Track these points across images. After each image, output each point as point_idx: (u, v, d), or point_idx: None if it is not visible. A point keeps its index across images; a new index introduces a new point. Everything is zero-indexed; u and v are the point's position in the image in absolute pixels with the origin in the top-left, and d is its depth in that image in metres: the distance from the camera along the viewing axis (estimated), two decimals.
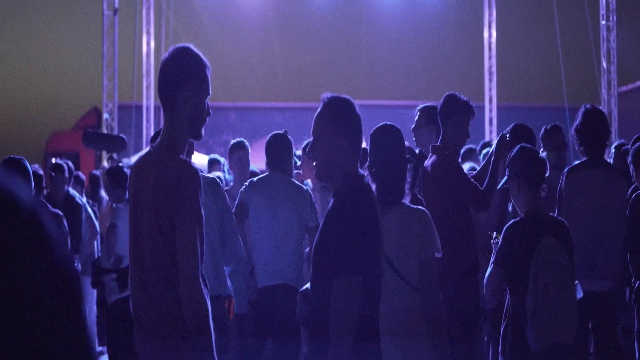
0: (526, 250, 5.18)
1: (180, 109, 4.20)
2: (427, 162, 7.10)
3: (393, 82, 31.09)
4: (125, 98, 25.21)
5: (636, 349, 7.17)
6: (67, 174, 10.09)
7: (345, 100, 4.33)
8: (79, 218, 9.77)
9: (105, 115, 19.96)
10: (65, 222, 8.69)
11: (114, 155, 10.53)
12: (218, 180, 6.35)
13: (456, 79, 30.13)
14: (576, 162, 7.44)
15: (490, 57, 25.42)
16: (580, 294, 5.61)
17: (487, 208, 6.85)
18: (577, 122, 7.22)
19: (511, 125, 7.34)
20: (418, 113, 7.81)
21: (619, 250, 6.97)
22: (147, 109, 24.77)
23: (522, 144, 5.63)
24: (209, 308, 4.12)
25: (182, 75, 4.20)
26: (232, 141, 8.65)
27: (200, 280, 4.07)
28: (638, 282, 7.11)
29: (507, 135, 7.02)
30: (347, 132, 4.25)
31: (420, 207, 5.01)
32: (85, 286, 9.88)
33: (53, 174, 9.97)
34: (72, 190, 10.57)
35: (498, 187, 5.93)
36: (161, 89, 4.25)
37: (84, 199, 10.70)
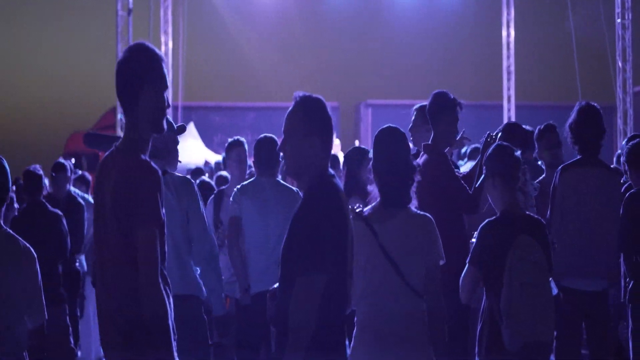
0: (501, 249, 5.14)
1: (141, 107, 4.20)
2: (419, 161, 7.07)
3: (411, 82, 30.95)
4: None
5: (630, 349, 7.10)
6: (69, 174, 10.09)
7: (317, 99, 4.33)
8: (81, 217, 9.76)
9: (119, 116, 19.99)
10: (64, 221, 8.71)
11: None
12: (189, 179, 6.30)
13: (474, 78, 30.01)
14: (570, 161, 7.38)
15: (508, 56, 25.29)
16: (554, 292, 5.56)
17: (476, 211, 6.81)
18: (571, 119, 7.15)
19: (503, 124, 7.27)
20: (414, 113, 7.78)
21: (613, 250, 6.89)
22: None
23: (499, 142, 5.59)
24: (169, 308, 4.12)
25: (141, 74, 4.20)
26: (229, 140, 8.64)
27: (160, 280, 4.06)
28: (632, 281, 7.04)
29: (495, 135, 6.96)
30: (319, 131, 4.25)
31: (425, 213, 4.96)
32: (89, 286, 9.90)
33: (54, 173, 9.98)
34: (74, 190, 10.59)
35: (476, 186, 5.87)
36: (120, 89, 4.26)
37: (89, 198, 10.69)
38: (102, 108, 30.11)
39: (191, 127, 25.06)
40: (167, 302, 4.09)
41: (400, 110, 29.25)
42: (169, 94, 4.34)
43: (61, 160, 10.25)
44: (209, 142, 28.47)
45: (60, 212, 8.74)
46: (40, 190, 8.72)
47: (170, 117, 18.75)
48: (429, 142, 7.05)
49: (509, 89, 25.61)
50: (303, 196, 4.26)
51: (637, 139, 7.44)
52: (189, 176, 7.71)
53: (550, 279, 5.56)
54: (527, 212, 5.50)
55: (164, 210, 4.15)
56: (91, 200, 10.31)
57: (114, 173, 4.13)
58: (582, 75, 19.58)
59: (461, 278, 5.39)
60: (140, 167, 4.10)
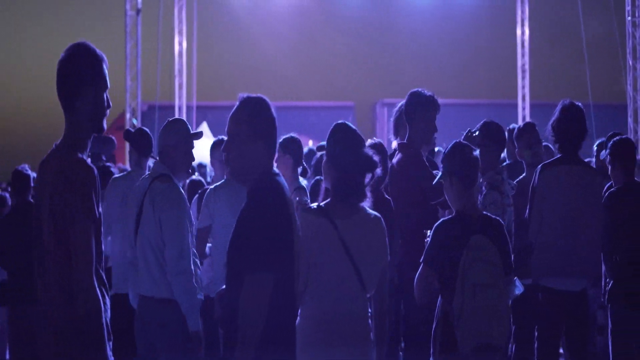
0: (455, 249, 5.08)
1: (81, 107, 4.21)
2: (394, 160, 7.05)
3: (426, 81, 30.89)
4: (153, 98, 25.40)
5: (610, 348, 7.05)
6: None
7: (261, 100, 4.33)
8: None
9: (127, 115, 20.07)
10: None
11: (103, 156, 10.54)
12: (170, 187, 6.21)
13: (489, 77, 29.92)
14: (550, 159, 7.32)
15: (523, 55, 25.16)
16: (519, 291, 5.51)
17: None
18: (553, 117, 7.09)
19: (481, 122, 7.21)
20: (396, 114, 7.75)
21: (593, 249, 6.83)
22: (180, 108, 24.91)
23: (457, 141, 5.52)
24: (103, 307, 4.12)
25: (79, 73, 4.21)
26: (214, 139, 8.62)
27: (95, 278, 4.07)
28: (611, 281, 6.98)
29: (476, 132, 6.93)
30: (262, 132, 4.26)
31: (376, 212, 4.91)
32: None
33: None
34: None
35: (433, 183, 5.81)
36: (59, 88, 4.26)
37: None
38: (119, 108, 30.20)
39: (204, 127, 25.09)
40: (100, 301, 4.08)
41: None
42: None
43: None
44: None
45: None
46: (29, 189, 8.72)
47: (184, 117, 18.85)
48: (404, 141, 7.03)
49: (523, 87, 25.48)
50: (247, 196, 4.25)
51: (619, 137, 7.39)
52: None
53: (516, 278, 5.51)
54: (484, 212, 5.43)
55: (100, 209, 4.16)
56: None
57: (51, 173, 4.14)
58: (592, 73, 19.44)
59: (415, 278, 5.34)
60: (75, 166, 4.11)
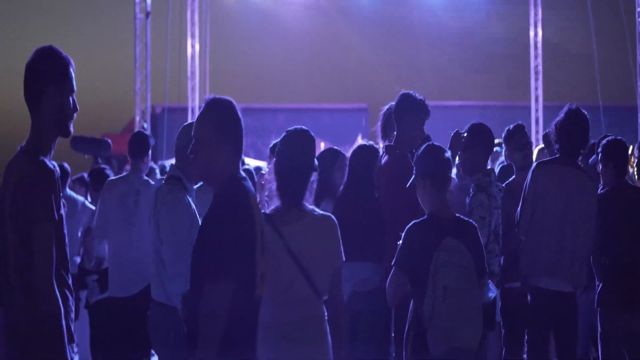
0: (426, 252, 5.03)
1: (46, 110, 4.23)
2: (381, 162, 7.03)
3: (438, 83, 30.84)
4: (170, 100, 25.43)
5: (599, 352, 6.99)
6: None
7: (227, 102, 4.31)
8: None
9: (137, 118, 20.12)
10: None
11: (99, 159, 10.58)
12: (162, 187, 6.23)
13: (502, 79, 29.82)
14: (547, 158, 7.29)
15: (536, 56, 25.08)
16: (492, 294, 5.46)
17: None
18: (558, 118, 7.04)
19: (469, 124, 7.16)
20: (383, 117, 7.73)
21: (578, 257, 6.77)
22: (192, 110, 24.96)
23: (430, 143, 5.48)
24: (62, 309, 4.13)
25: (45, 77, 4.25)
26: None
27: (58, 281, 4.08)
28: (600, 284, 6.92)
29: (463, 133, 6.88)
30: (229, 134, 4.24)
31: (327, 213, 4.90)
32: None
33: None
34: (69, 191, 10.64)
35: (407, 186, 5.76)
36: (25, 90, 4.30)
37: (86, 201, 10.71)
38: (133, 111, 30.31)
39: None
40: (60, 304, 4.10)
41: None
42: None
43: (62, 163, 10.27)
44: None
45: None
46: None
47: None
48: (392, 143, 7.00)
49: (536, 89, 25.41)
50: (212, 200, 4.24)
51: (611, 137, 7.33)
52: None
53: (490, 282, 5.47)
54: (457, 215, 5.37)
55: (62, 211, 4.18)
56: (87, 203, 10.36)
57: (14, 176, 4.17)
58: (602, 75, 19.32)
59: (387, 281, 5.31)
60: (36, 168, 4.15)
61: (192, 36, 25.06)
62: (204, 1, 24.73)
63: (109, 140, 11.13)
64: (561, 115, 6.97)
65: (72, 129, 4.37)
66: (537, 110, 25.56)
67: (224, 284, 3.97)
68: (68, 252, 4.40)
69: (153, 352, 9.45)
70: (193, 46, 25.09)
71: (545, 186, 6.82)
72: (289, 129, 5.07)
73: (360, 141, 7.73)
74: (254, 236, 4.13)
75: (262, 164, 12.61)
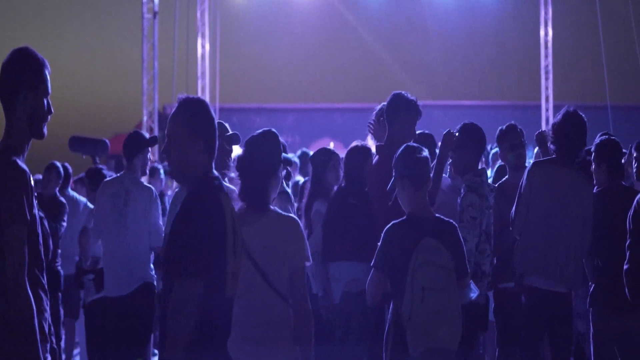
0: (405, 252, 5.01)
1: (19, 111, 4.25)
2: (373, 162, 7.03)
3: (449, 82, 30.80)
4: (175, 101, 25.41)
5: (591, 352, 6.96)
6: (59, 175, 10.15)
7: (200, 101, 4.31)
8: (59, 218, 9.78)
9: (145, 118, 20.16)
10: (45, 222, 8.75)
11: (97, 159, 10.62)
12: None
13: (512, 79, 29.74)
14: (544, 158, 7.27)
15: (546, 56, 25.00)
16: (474, 295, 5.44)
17: (432, 206, 6.73)
18: (555, 120, 7.04)
19: (461, 124, 7.14)
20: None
21: (577, 253, 6.75)
22: None
23: (407, 144, 5.45)
24: (35, 310, 4.14)
25: (19, 78, 4.26)
26: None
27: (31, 281, 4.10)
28: (593, 285, 6.90)
29: (455, 132, 6.86)
30: (202, 134, 4.24)
31: (290, 215, 4.90)
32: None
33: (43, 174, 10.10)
34: (71, 192, 10.69)
35: (387, 188, 5.75)
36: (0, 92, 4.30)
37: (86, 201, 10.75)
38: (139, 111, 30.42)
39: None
40: (32, 304, 4.11)
41: (440, 111, 29.09)
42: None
43: (55, 162, 10.30)
44: None
45: (41, 214, 8.78)
46: None
47: None
48: (382, 144, 7.00)
49: (547, 88, 25.33)
50: (184, 198, 4.24)
51: (604, 137, 7.29)
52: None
53: (471, 282, 5.45)
54: (437, 215, 5.34)
55: (35, 211, 4.19)
56: (89, 203, 10.39)
57: None
58: (610, 74, 19.25)
59: (367, 282, 5.29)
60: (7, 169, 4.16)
61: (202, 36, 25.09)
62: (213, 1, 24.75)
63: (107, 141, 11.16)
64: (559, 116, 6.97)
65: (46, 132, 4.38)
66: (547, 110, 25.47)
67: (193, 283, 3.97)
68: (43, 251, 4.42)
69: (155, 350, 9.51)
70: (203, 46, 25.12)
71: (540, 187, 6.80)
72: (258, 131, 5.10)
73: (355, 142, 7.73)
74: (225, 235, 4.12)
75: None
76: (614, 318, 6.75)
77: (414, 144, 5.48)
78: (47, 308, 4.34)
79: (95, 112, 36.68)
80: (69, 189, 10.82)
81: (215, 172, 4.32)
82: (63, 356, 10.59)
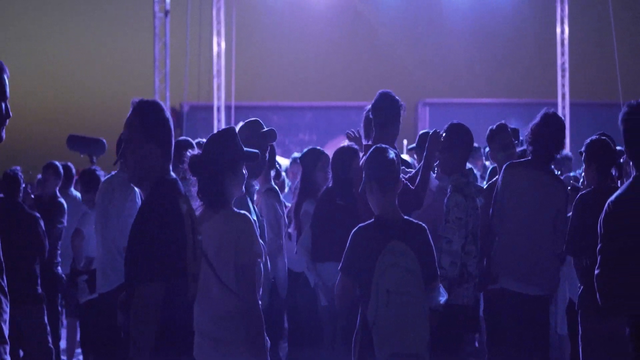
0: (371, 256, 4.96)
1: None
2: (361, 162, 7.01)
3: (465, 80, 30.69)
4: (191, 98, 25.54)
5: (580, 355, 6.91)
6: (58, 174, 10.18)
7: (153, 104, 4.31)
8: (56, 218, 9.80)
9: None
10: (42, 223, 8.80)
11: (94, 159, 10.61)
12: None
13: (528, 76, 29.60)
14: (520, 160, 7.24)
15: (562, 54, 24.88)
16: (443, 299, 5.40)
17: (419, 207, 6.71)
18: (534, 121, 7.01)
19: (448, 124, 7.11)
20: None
21: (551, 256, 6.71)
22: (218, 109, 25.03)
23: (377, 145, 5.40)
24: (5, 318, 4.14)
25: None
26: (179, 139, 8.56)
27: None
28: (582, 287, 6.84)
29: (442, 132, 6.83)
30: (156, 137, 4.24)
31: (243, 212, 4.88)
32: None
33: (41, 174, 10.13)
34: (74, 192, 10.72)
35: (359, 190, 5.72)
36: None
37: None
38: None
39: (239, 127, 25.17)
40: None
41: (457, 108, 29.05)
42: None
43: (54, 162, 10.33)
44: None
45: (37, 214, 8.83)
46: (17, 192, 8.81)
47: (222, 117, 18.77)
48: (369, 143, 6.98)
49: (563, 86, 25.22)
50: (141, 203, 4.25)
51: (596, 136, 7.24)
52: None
53: (440, 286, 5.40)
54: (406, 217, 5.27)
55: None
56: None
57: None
58: (623, 72, 19.14)
59: (335, 286, 5.25)
60: None
61: (218, 34, 25.13)
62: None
63: (104, 140, 11.16)
64: (537, 118, 6.94)
65: (4, 135, 4.35)
66: (563, 108, 25.35)
67: (152, 288, 3.97)
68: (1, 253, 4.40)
69: None
70: (219, 44, 25.16)
71: (514, 188, 6.81)
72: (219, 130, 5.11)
73: (345, 142, 7.71)
74: (184, 238, 4.11)
75: (287, 161, 12.68)
76: (603, 320, 6.70)
77: (383, 146, 5.42)
78: (7, 310, 4.32)
79: (107, 110, 36.81)
80: (72, 189, 10.83)
81: (173, 174, 4.32)
82: (64, 358, 10.64)
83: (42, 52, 40.56)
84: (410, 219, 5.24)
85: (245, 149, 5.10)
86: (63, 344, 11.05)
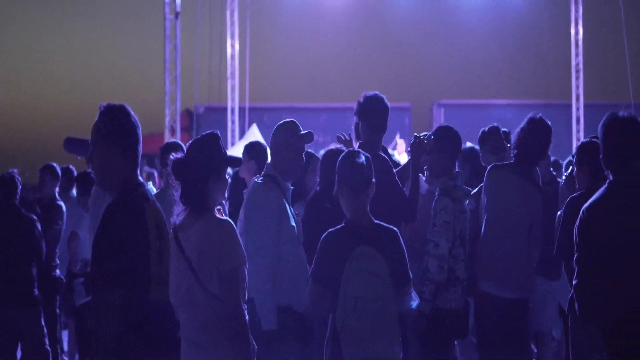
0: (340, 261, 4.92)
1: None
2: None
3: (481, 81, 30.61)
4: (211, 100, 25.60)
5: (570, 357, 6.89)
6: (56, 176, 10.19)
7: (119, 108, 4.34)
8: (54, 220, 9.82)
9: (167, 118, 20.25)
10: (38, 225, 8.83)
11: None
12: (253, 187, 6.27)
13: (543, 77, 29.47)
14: (503, 162, 7.22)
15: (577, 54, 24.79)
16: (414, 302, 5.37)
17: (414, 217, 6.71)
18: (521, 125, 6.99)
19: (435, 128, 7.10)
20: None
21: (529, 259, 6.70)
22: (232, 110, 25.08)
23: (349, 149, 5.38)
24: None
25: None
26: (169, 141, 8.55)
27: None
28: (572, 291, 6.80)
29: (422, 136, 6.80)
30: (120, 141, 4.28)
31: (225, 218, 4.87)
32: None
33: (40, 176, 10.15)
34: (75, 194, 10.74)
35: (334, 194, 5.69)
36: None
37: None
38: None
39: (254, 129, 25.20)
40: None
41: (472, 109, 28.90)
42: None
43: (51, 163, 10.35)
44: None
45: (34, 216, 8.86)
46: (14, 194, 8.83)
47: (236, 118, 18.76)
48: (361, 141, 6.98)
49: (577, 87, 25.13)
50: (105, 208, 4.26)
51: (588, 139, 7.20)
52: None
53: (412, 291, 5.37)
54: (377, 221, 5.22)
55: None
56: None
57: None
58: (635, 73, 19.07)
59: (307, 292, 5.23)
60: None
61: (232, 36, 25.18)
62: (243, 0, 24.86)
63: None
64: (523, 122, 6.90)
65: None
66: (577, 109, 25.24)
67: (111, 293, 4.00)
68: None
69: None
70: (233, 46, 25.21)
71: (494, 192, 6.81)
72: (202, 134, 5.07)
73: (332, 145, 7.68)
74: (147, 243, 4.13)
75: None
76: (593, 325, 6.66)
77: (355, 150, 5.39)
78: None
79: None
80: (73, 191, 10.85)
81: (140, 179, 4.33)
82: (66, 359, 10.67)
83: (53, 54, 40.81)
84: (381, 223, 5.18)
85: (228, 154, 5.10)
86: (65, 346, 11.08)
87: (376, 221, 5.13)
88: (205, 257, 4.66)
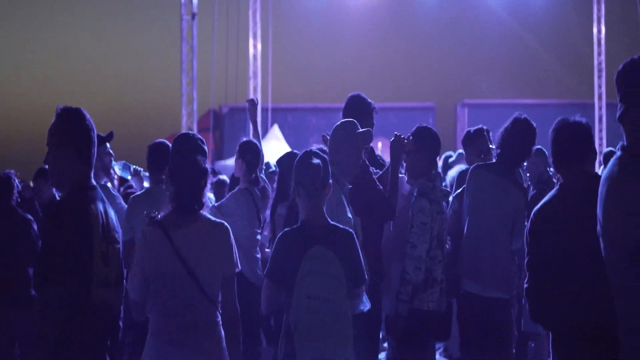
0: (294, 260, 4.93)
1: None
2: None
3: (501, 81, 30.46)
4: (229, 100, 25.66)
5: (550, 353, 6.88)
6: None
7: (74, 111, 4.38)
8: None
9: (184, 119, 20.34)
10: (35, 226, 8.89)
11: None
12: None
13: (565, 77, 29.33)
14: (486, 162, 7.20)
15: (599, 53, 24.67)
16: (364, 307, 5.38)
17: (393, 215, 6.70)
18: (506, 124, 6.96)
19: (415, 128, 7.08)
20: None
21: (505, 258, 6.69)
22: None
23: (306, 150, 5.38)
24: None
25: None
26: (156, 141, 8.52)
27: None
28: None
29: (402, 136, 6.80)
30: (74, 143, 4.32)
31: (220, 220, 4.88)
32: None
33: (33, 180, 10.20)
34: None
35: (290, 196, 5.72)
36: None
37: None
38: (201, 110, 30.70)
39: (275, 129, 25.28)
40: None
41: (495, 109, 28.81)
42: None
43: (45, 166, 10.36)
44: (304, 143, 28.68)
45: (30, 217, 8.92)
46: (10, 195, 8.90)
47: (258, 118, 18.79)
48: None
49: (599, 86, 25.01)
50: (53, 205, 4.33)
51: (611, 149, 7.17)
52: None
53: (364, 293, 5.38)
54: (333, 223, 5.21)
55: None
56: None
57: None
58: None
59: (262, 291, 5.24)
60: None
61: (254, 36, 25.26)
62: (265, 1, 24.92)
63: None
64: (508, 122, 6.86)
65: None
66: (600, 109, 25.12)
67: (52, 290, 4.07)
68: None
69: None
70: (255, 46, 25.30)
71: (476, 191, 6.78)
72: (179, 134, 5.05)
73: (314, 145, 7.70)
74: (91, 244, 4.18)
75: None
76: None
77: (312, 150, 5.37)
78: None
79: (134, 113, 37.14)
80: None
81: (93, 181, 4.38)
82: None
83: (70, 55, 41.04)
84: (337, 224, 5.19)
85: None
86: None
87: (332, 222, 5.13)
88: (204, 259, 4.63)
